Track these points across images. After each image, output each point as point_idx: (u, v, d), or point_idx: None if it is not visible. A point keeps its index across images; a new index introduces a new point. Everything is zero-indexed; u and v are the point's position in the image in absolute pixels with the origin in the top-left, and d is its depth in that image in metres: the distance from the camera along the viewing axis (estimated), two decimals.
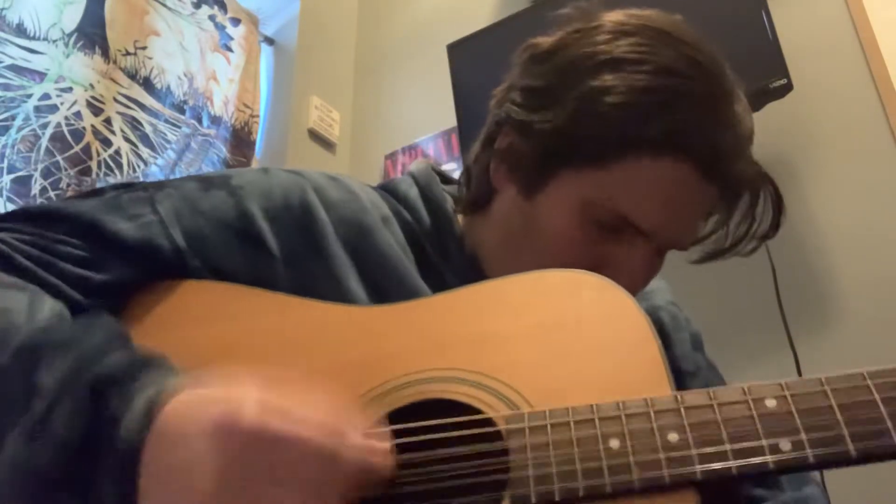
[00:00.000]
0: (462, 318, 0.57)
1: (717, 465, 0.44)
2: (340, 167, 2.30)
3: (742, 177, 0.65)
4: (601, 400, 0.48)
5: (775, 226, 0.70)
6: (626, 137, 0.62)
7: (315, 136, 2.25)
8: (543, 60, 0.68)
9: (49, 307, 0.54)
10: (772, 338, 1.39)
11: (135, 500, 0.42)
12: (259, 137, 2.17)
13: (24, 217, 0.62)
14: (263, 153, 2.19)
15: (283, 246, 0.65)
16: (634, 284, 0.65)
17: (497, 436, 0.49)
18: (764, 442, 0.44)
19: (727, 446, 0.44)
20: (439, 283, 0.66)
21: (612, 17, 0.67)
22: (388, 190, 0.75)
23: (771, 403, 0.45)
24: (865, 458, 0.43)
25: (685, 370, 0.76)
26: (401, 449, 0.50)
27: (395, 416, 0.52)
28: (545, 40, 0.69)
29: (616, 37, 0.65)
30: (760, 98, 1.45)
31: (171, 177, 1.87)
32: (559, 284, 0.57)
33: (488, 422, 0.49)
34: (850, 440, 0.43)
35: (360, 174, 2.28)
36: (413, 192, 0.74)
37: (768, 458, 0.43)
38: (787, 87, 1.40)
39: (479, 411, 0.50)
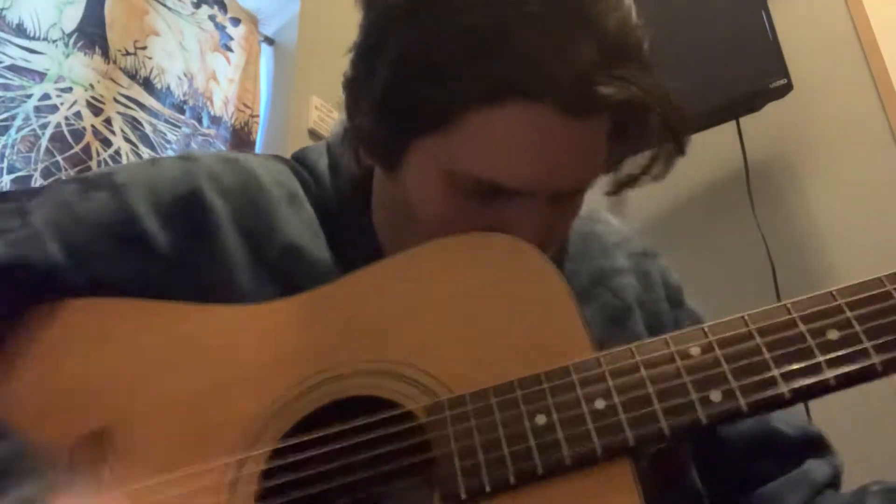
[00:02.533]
0: (367, 304, 0.53)
1: (648, 429, 0.41)
2: None
3: (615, 100, 0.51)
4: (522, 370, 0.45)
5: (678, 143, 0.58)
6: (454, 93, 0.52)
7: (315, 136, 2.25)
8: (369, 7, 0.58)
9: None
10: None
11: None
12: (259, 137, 2.17)
13: None
14: (263, 153, 2.19)
15: (172, 244, 0.59)
16: (538, 240, 0.55)
17: (419, 430, 0.46)
18: (694, 396, 0.41)
19: (656, 406, 0.42)
20: (351, 264, 0.59)
21: None
22: (300, 161, 0.69)
23: (695, 352, 0.43)
24: (799, 397, 0.41)
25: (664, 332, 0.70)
26: (312, 462, 0.46)
27: (312, 420, 0.49)
28: None
29: None
30: (760, 98, 1.45)
31: None
32: (460, 250, 0.53)
33: (408, 415, 0.46)
34: (783, 381, 0.41)
35: None
36: (322, 163, 0.67)
37: (699, 414, 0.41)
38: (787, 87, 1.40)
39: (398, 406, 0.47)
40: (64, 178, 0.64)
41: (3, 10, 1.65)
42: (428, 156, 0.55)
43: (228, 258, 0.59)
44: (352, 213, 0.64)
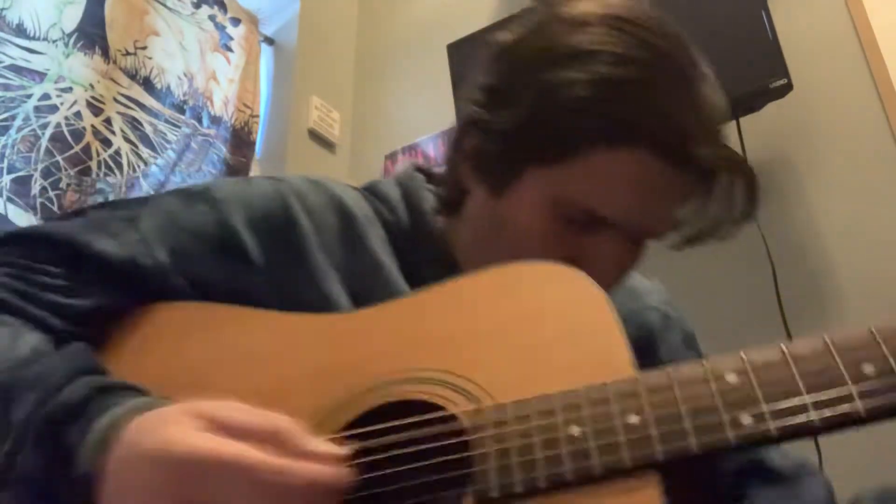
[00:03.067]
0: (432, 318, 0.58)
1: (677, 445, 0.43)
2: (340, 167, 2.30)
3: (712, 160, 0.62)
4: (566, 387, 0.48)
5: (751, 208, 0.67)
6: (586, 131, 0.61)
7: (315, 136, 2.25)
8: (501, 57, 0.68)
9: (30, 341, 0.54)
10: (772, 338, 1.39)
11: None
12: (259, 137, 2.17)
13: (6, 242, 0.63)
14: (263, 153, 2.19)
15: (264, 256, 0.65)
16: (609, 276, 0.64)
17: (462, 433, 0.49)
18: (724, 417, 0.43)
19: (686, 425, 0.43)
20: (420, 283, 0.66)
21: (570, 8, 0.66)
22: (370, 191, 0.76)
23: (731, 378, 0.45)
24: (830, 426, 0.42)
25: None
26: (364, 452, 0.50)
27: (364, 420, 0.52)
28: (505, 36, 0.68)
29: (572, 29, 0.63)
30: (760, 98, 1.45)
31: (171, 177, 1.87)
32: (527, 277, 0.57)
33: (451, 418, 0.50)
34: (813, 409, 0.41)
35: (360, 174, 2.28)
36: (395, 193, 0.74)
37: (728, 433, 0.42)
38: (787, 87, 1.40)
39: (444, 409, 0.50)
40: (168, 191, 0.73)
41: (3, 10, 1.65)
42: (539, 182, 0.63)
43: (313, 271, 0.65)
44: (427, 234, 0.72)
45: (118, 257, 0.62)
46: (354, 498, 0.48)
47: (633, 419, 0.44)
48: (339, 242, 0.68)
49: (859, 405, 0.41)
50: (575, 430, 0.45)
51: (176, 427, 0.43)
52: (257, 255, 0.65)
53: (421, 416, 0.50)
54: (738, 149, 1.52)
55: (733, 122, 1.51)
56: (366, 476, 0.49)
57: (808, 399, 0.42)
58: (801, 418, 0.42)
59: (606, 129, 0.60)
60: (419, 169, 0.78)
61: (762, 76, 1.41)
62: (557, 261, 0.59)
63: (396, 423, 0.50)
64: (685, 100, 0.62)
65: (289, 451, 0.43)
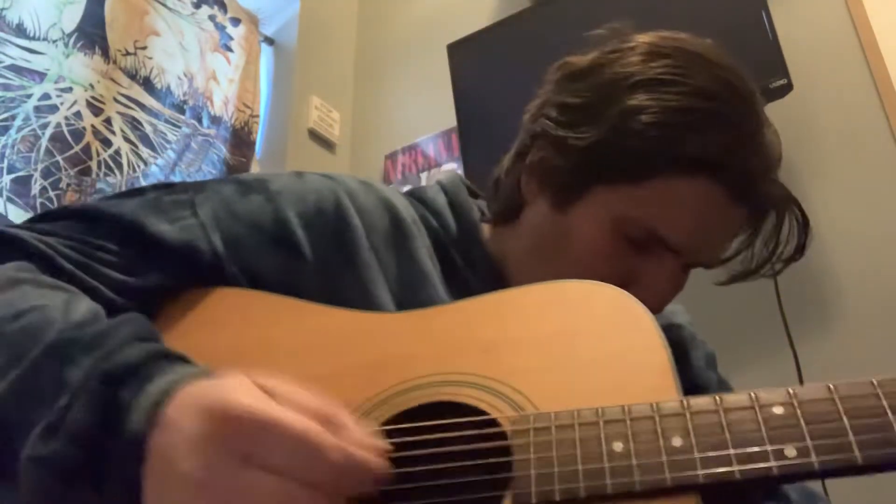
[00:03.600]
0: (477, 325, 0.58)
1: (719, 470, 0.43)
2: (340, 167, 2.30)
3: (769, 199, 0.68)
4: (609, 404, 0.48)
5: (801, 248, 0.72)
6: (660, 156, 0.64)
7: (315, 136, 2.25)
8: (579, 78, 0.70)
9: (85, 306, 0.54)
10: (772, 338, 1.39)
11: (138, 488, 0.43)
12: (259, 137, 2.17)
13: (66, 216, 0.63)
14: (263, 153, 2.19)
15: (315, 252, 0.66)
16: (660, 299, 0.67)
17: (502, 437, 0.49)
18: (768, 448, 0.43)
19: (731, 451, 0.44)
20: (463, 290, 0.67)
21: (646, 38, 0.69)
22: (415, 196, 0.77)
23: (778, 410, 0.45)
24: (872, 466, 0.42)
25: (699, 386, 0.77)
26: (404, 447, 0.50)
27: (403, 418, 0.53)
28: (581, 59, 0.71)
29: (651, 58, 0.67)
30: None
31: (171, 177, 1.87)
32: (574, 294, 0.58)
33: (494, 423, 0.50)
34: (857, 448, 0.42)
35: (361, 174, 2.27)
36: (441, 199, 0.76)
37: (772, 463, 0.43)
38: (787, 87, 1.40)
39: (486, 413, 0.51)
40: (223, 178, 0.76)
41: (3, 10, 1.65)
42: (606, 200, 0.66)
43: (361, 272, 0.66)
44: (475, 243, 0.73)
45: (176, 241, 0.63)
46: (393, 490, 0.48)
47: (677, 441, 0.45)
48: (388, 245, 0.69)
49: None
50: (618, 446, 0.46)
51: (235, 390, 0.43)
52: (308, 250, 0.66)
53: (463, 418, 0.51)
54: None
55: None
56: (403, 470, 0.49)
57: (852, 438, 0.43)
58: (844, 456, 0.42)
59: (678, 156, 0.63)
60: (462, 181, 0.79)
61: (762, 76, 1.41)
62: (612, 277, 0.60)
63: (439, 422, 0.51)
64: (754, 140, 0.66)
65: (341, 435, 0.43)
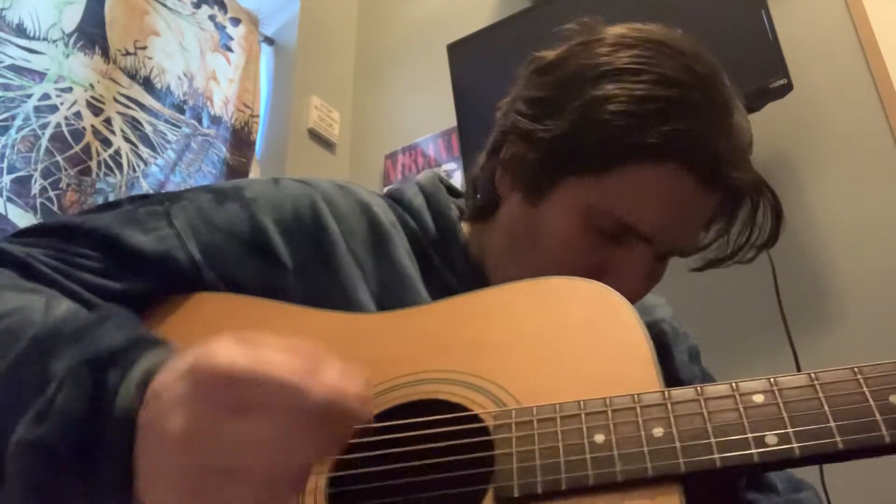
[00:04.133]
0: (460, 324, 0.59)
1: (700, 458, 0.44)
2: (340, 167, 2.30)
3: (741, 185, 0.67)
4: (591, 396, 0.49)
5: (775, 234, 0.72)
6: (627, 144, 0.64)
7: (315, 136, 2.25)
8: (547, 72, 0.70)
9: (65, 305, 0.55)
10: (772, 338, 1.39)
11: (130, 472, 0.42)
12: (259, 137, 2.17)
13: (44, 232, 0.64)
14: (263, 153, 2.19)
15: (294, 257, 0.67)
16: (636, 289, 0.67)
17: (485, 432, 0.49)
18: (749, 435, 0.44)
19: (711, 439, 0.44)
20: (443, 290, 0.68)
21: (613, 30, 0.70)
22: (393, 198, 0.77)
23: (759, 398, 0.46)
24: (853, 451, 0.43)
25: (682, 380, 0.78)
26: (387, 444, 0.50)
27: (386, 417, 0.53)
28: (549, 53, 0.72)
29: (616, 49, 0.67)
30: (760, 98, 1.45)
31: (171, 177, 1.87)
32: (555, 290, 0.58)
33: (476, 418, 0.50)
34: (838, 433, 0.43)
35: (360, 174, 2.28)
36: (418, 200, 0.76)
37: (753, 451, 0.43)
38: (787, 87, 1.40)
39: (467, 409, 0.51)
40: (199, 187, 0.75)
41: (3, 10, 1.65)
42: (576, 191, 0.66)
43: (341, 276, 0.67)
44: (454, 241, 0.74)
45: (152, 251, 0.63)
46: (376, 487, 0.49)
47: (658, 431, 0.45)
48: (367, 249, 0.70)
49: (884, 432, 0.42)
50: (599, 438, 0.46)
51: (216, 348, 0.42)
52: (287, 256, 0.66)
53: (445, 414, 0.51)
54: None
55: None
56: (387, 467, 0.49)
57: (833, 424, 0.43)
58: (824, 441, 0.43)
59: (644, 144, 0.63)
60: (440, 180, 0.80)
61: (762, 76, 1.41)
62: (586, 269, 0.62)
63: (422, 419, 0.51)
64: (721, 125, 0.65)
65: (325, 375, 0.42)
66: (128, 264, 0.63)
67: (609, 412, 0.47)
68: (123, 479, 0.42)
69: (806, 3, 1.62)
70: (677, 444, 0.44)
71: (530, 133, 0.68)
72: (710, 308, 1.49)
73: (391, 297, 0.67)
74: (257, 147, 2.15)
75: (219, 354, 0.41)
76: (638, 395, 0.48)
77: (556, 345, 0.54)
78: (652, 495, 0.44)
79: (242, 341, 0.42)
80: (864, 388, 0.44)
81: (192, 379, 0.40)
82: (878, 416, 0.43)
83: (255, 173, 2.10)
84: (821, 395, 0.45)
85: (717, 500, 0.47)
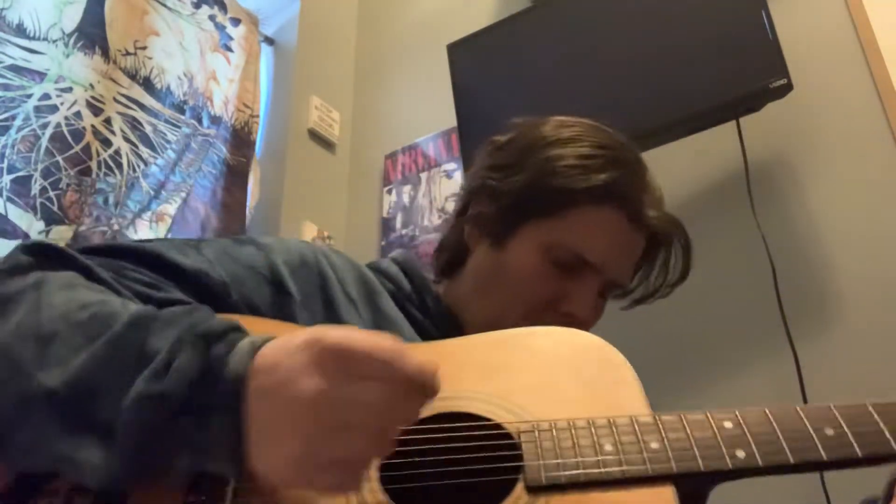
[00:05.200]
0: (468, 356, 0.70)
1: (688, 462, 0.57)
2: (340, 167, 2.30)
3: (659, 225, 0.87)
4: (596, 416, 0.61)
5: (685, 273, 0.90)
6: (574, 192, 0.82)
7: (315, 136, 2.25)
8: (504, 147, 0.90)
9: (136, 305, 0.61)
10: (772, 338, 1.39)
11: (241, 426, 0.49)
12: (259, 137, 2.17)
13: (91, 251, 0.72)
14: (263, 153, 2.19)
15: (301, 293, 0.78)
16: (587, 314, 0.83)
17: (509, 438, 0.60)
18: (724, 450, 0.57)
19: (695, 450, 0.57)
20: (423, 336, 0.81)
21: (554, 118, 0.90)
22: (371, 267, 0.89)
23: (728, 425, 0.59)
24: (802, 465, 0.57)
25: None
26: (426, 448, 0.60)
27: (421, 425, 0.61)
28: (503, 136, 0.91)
29: (560, 126, 0.88)
30: (760, 98, 1.45)
31: (171, 177, 1.88)
32: (560, 336, 0.71)
33: (498, 426, 0.61)
34: (789, 452, 0.57)
35: (360, 174, 2.28)
36: (394, 268, 0.90)
37: (728, 460, 0.57)
38: (787, 87, 1.40)
39: (493, 421, 0.61)
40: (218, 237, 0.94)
41: (3, 10, 1.65)
42: (535, 233, 0.84)
43: (340, 310, 0.78)
44: (429, 294, 0.87)
45: (191, 267, 0.73)
46: (423, 476, 0.58)
47: (655, 444, 0.58)
48: (359, 296, 0.82)
49: (823, 455, 0.57)
50: (608, 447, 0.58)
51: (320, 330, 0.50)
52: (295, 291, 0.77)
53: (478, 423, 0.61)
54: (738, 149, 1.52)
55: (733, 122, 1.51)
56: (431, 459, 0.59)
57: (785, 446, 0.58)
58: (780, 457, 0.57)
59: (587, 190, 0.82)
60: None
61: (762, 76, 1.41)
62: (544, 297, 0.81)
63: (462, 424, 0.61)
64: (640, 178, 0.87)
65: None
66: (169, 277, 0.72)
67: (614, 427, 0.59)
68: (232, 434, 0.49)
69: (806, 3, 1.62)
70: (670, 453, 0.57)
71: (496, 189, 0.86)
72: (710, 308, 1.49)
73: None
74: (257, 147, 2.15)
75: (333, 333, 0.49)
76: (635, 417, 0.60)
77: (559, 379, 0.66)
78: (652, 489, 0.56)
79: (341, 327, 0.51)
80: (807, 424, 0.58)
81: (313, 352, 0.49)
82: (816, 442, 0.57)
83: (255, 173, 2.10)
84: (775, 426, 0.59)
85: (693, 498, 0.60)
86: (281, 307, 0.76)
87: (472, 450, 0.59)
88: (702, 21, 1.52)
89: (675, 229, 0.89)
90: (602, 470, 0.56)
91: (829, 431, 0.58)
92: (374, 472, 0.58)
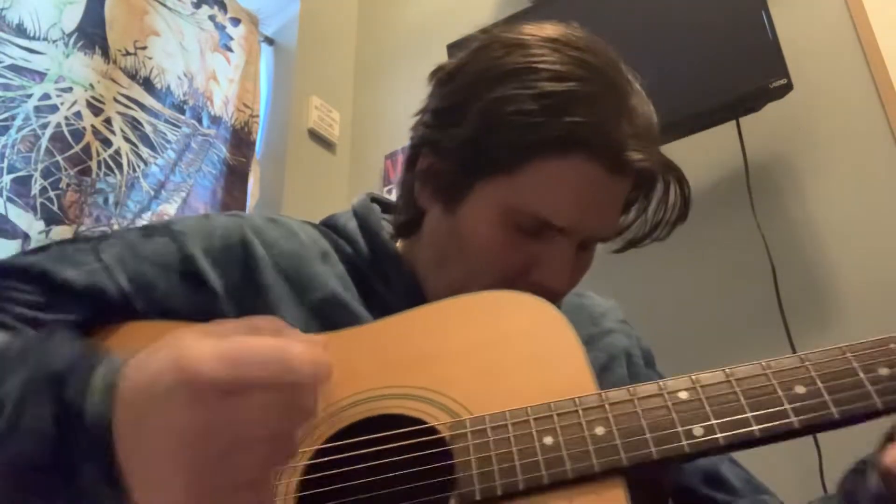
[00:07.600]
0: (405, 339, 0.62)
1: (639, 452, 0.49)
2: (340, 167, 2.30)
3: (644, 165, 0.68)
4: (535, 403, 0.53)
5: (684, 211, 0.74)
6: (529, 143, 0.65)
7: (315, 136, 2.25)
8: (447, 82, 0.73)
9: (2, 335, 0.55)
10: (772, 338, 1.39)
11: (117, 475, 0.42)
12: (259, 137, 2.17)
13: None
14: (263, 153, 2.19)
15: (223, 282, 0.69)
16: (563, 281, 0.69)
17: (442, 443, 0.53)
18: (679, 429, 0.50)
19: (647, 434, 0.50)
20: (383, 308, 0.69)
21: (507, 32, 0.72)
22: (328, 225, 0.80)
23: (684, 395, 0.51)
24: (770, 437, 0.49)
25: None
26: (349, 461, 0.53)
27: (346, 434, 0.55)
28: (449, 63, 0.75)
29: (511, 50, 0.68)
30: (760, 98, 1.45)
31: (171, 177, 1.88)
32: (494, 304, 0.62)
33: (431, 430, 0.54)
34: (755, 422, 0.49)
35: (360, 174, 2.28)
36: (352, 225, 0.78)
37: (684, 442, 0.49)
38: (787, 87, 1.40)
39: (425, 422, 0.54)
40: (128, 227, 0.79)
41: (3, 10, 1.65)
42: (490, 194, 0.67)
43: (272, 297, 0.69)
44: (388, 259, 0.75)
45: (81, 284, 0.65)
46: (341, 494, 0.51)
47: (600, 430, 0.51)
48: (297, 275, 0.71)
49: (793, 419, 0.49)
50: (548, 440, 0.51)
51: (183, 341, 0.43)
52: (217, 282, 0.68)
53: (402, 429, 0.54)
54: (738, 149, 1.52)
55: (733, 122, 1.51)
56: (349, 483, 0.52)
57: (749, 414, 0.49)
58: (744, 430, 0.49)
59: (547, 140, 0.65)
60: (375, 199, 0.82)
61: (762, 76, 1.41)
62: (511, 267, 0.67)
63: (381, 434, 0.54)
64: (617, 111, 0.67)
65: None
66: (59, 298, 0.65)
67: (554, 416, 0.52)
68: (109, 484, 0.43)
69: (806, 3, 1.62)
70: (618, 441, 0.50)
71: (437, 143, 0.71)
72: (710, 308, 1.49)
73: (326, 318, 0.68)
74: (257, 147, 2.15)
75: (196, 346, 0.41)
76: (578, 398, 0.52)
77: (497, 354, 0.58)
78: (599, 489, 0.48)
79: (207, 333, 0.43)
80: (773, 381, 0.51)
81: (178, 374, 0.41)
82: (786, 406, 0.49)
83: (255, 173, 2.10)
84: (737, 388, 0.51)
85: (654, 485, 0.54)
86: (201, 305, 0.67)
87: (402, 463, 0.52)
88: (702, 21, 1.52)
89: (667, 171, 0.73)
90: (542, 472, 0.49)
91: (801, 389, 0.50)
92: (294, 478, 0.53)
